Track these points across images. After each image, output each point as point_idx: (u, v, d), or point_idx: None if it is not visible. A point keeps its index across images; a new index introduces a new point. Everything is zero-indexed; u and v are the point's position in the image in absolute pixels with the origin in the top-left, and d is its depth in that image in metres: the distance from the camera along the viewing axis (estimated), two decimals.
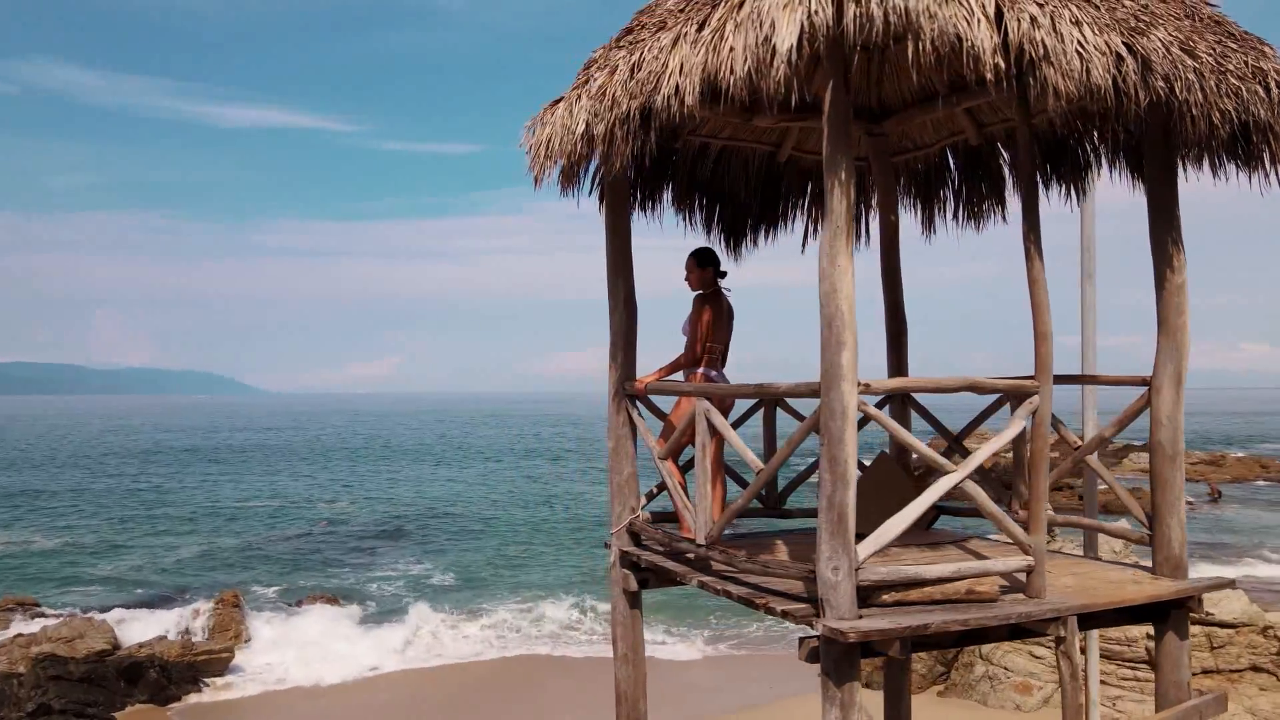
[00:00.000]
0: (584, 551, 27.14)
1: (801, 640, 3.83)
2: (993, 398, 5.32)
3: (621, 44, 4.69)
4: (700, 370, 5.17)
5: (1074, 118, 5.46)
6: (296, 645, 17.68)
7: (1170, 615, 4.22)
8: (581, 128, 4.49)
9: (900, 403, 5.83)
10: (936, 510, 5.70)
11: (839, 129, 3.72)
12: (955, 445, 5.58)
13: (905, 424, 5.81)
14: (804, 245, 6.54)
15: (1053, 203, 6.18)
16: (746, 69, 3.47)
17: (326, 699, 15.26)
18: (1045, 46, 3.42)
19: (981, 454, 3.92)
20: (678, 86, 3.88)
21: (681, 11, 4.17)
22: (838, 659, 3.62)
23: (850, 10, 3.25)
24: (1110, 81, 3.58)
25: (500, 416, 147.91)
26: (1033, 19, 3.44)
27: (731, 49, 3.57)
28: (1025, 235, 4.10)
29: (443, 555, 26.31)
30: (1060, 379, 4.72)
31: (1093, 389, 6.01)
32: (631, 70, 4.17)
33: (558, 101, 5.30)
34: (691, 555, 4.69)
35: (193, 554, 26.79)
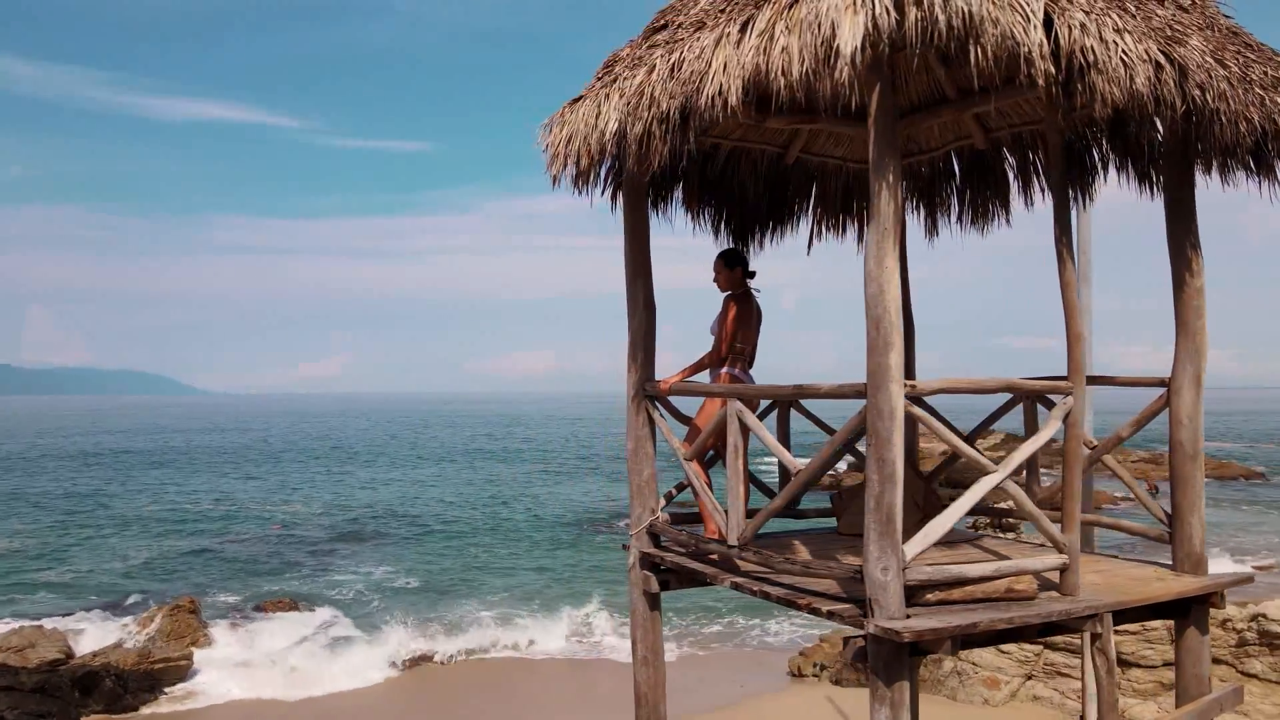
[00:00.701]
0: (544, 552, 27.01)
1: (847, 640, 3.85)
2: (1002, 399, 5.42)
3: (655, 42, 4.67)
4: (726, 370, 5.17)
5: (1082, 124, 5.58)
6: (259, 652, 17.31)
7: (1192, 610, 4.33)
8: (613, 126, 4.46)
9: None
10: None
11: (885, 132, 3.75)
12: (969, 443, 5.64)
13: (911, 425, 5.89)
14: (810, 247, 6.59)
15: (1045, 206, 6.34)
16: (803, 70, 3.47)
17: (293, 708, 14.94)
18: (1095, 54, 3.49)
19: (1020, 455, 3.98)
20: (721, 87, 3.87)
21: (722, 12, 4.15)
22: (888, 659, 3.64)
23: (912, 14, 3.27)
24: (1150, 89, 3.66)
25: (452, 417, 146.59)
26: (1082, 26, 3.50)
27: (783, 50, 3.57)
28: (1057, 239, 4.17)
29: (404, 558, 25.95)
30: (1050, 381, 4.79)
31: (1090, 390, 6.13)
32: (672, 70, 4.15)
33: (578, 100, 5.26)
34: (717, 556, 4.69)
35: (143, 559, 26.06)
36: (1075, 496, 4.04)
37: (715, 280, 5.53)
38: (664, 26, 4.89)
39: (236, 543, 28.63)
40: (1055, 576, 4.07)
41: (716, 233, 6.40)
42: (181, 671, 16.14)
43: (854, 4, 3.29)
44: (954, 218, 6.43)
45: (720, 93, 3.88)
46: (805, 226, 6.64)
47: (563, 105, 5.39)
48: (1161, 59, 3.73)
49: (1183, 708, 4.26)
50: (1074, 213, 6.70)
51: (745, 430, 4.48)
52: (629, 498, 5.37)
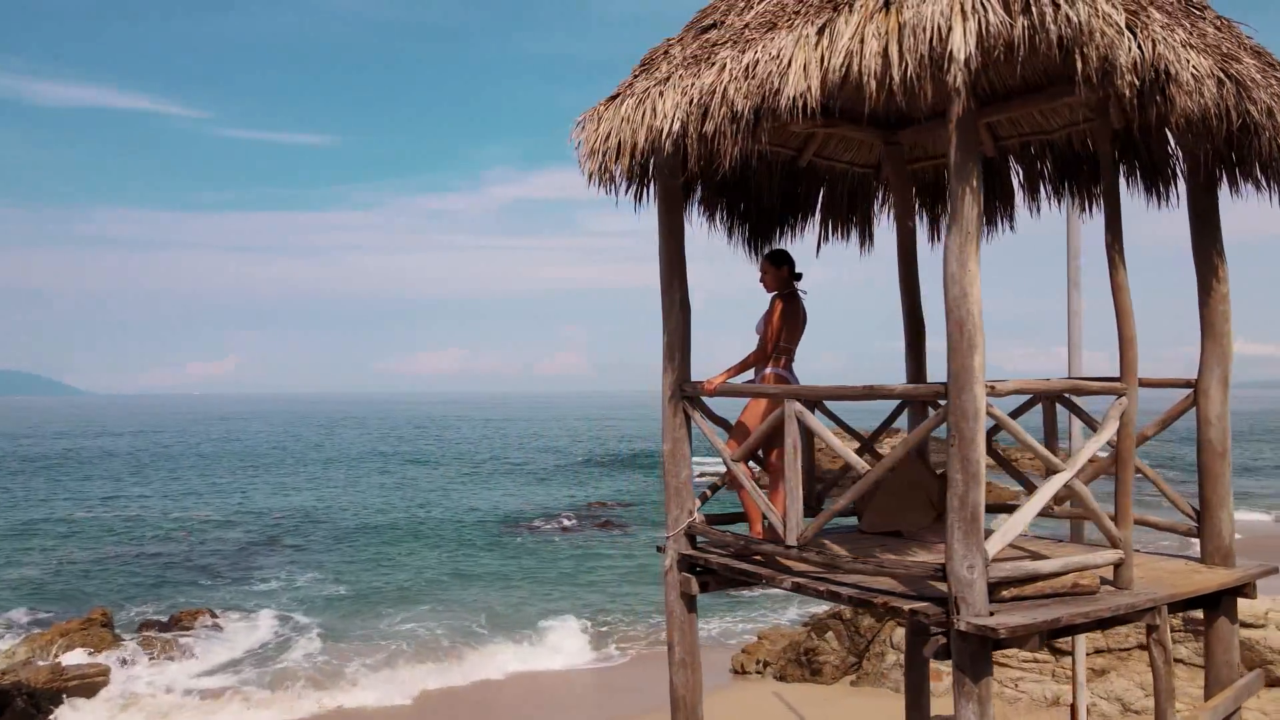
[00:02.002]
0: (466, 553, 26.61)
1: (929, 638, 3.90)
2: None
3: (710, 41, 4.64)
4: (771, 370, 5.17)
5: (1086, 134, 5.81)
6: (178, 664, 16.55)
7: (1222, 601, 4.55)
8: (674, 125, 4.41)
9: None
10: None
11: (967, 136, 3.82)
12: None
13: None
14: (818, 249, 6.66)
15: (1044, 212, 6.58)
16: (905, 74, 3.50)
17: None
18: (1174, 67, 3.63)
19: (1085, 453, 4.11)
20: (802, 88, 3.88)
21: (796, 14, 4.16)
22: (974, 655, 3.71)
23: (1021, 21, 3.34)
24: (1215, 103, 3.84)
25: (358, 418, 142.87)
26: (1165, 40, 3.64)
27: (879, 53, 3.60)
28: (1109, 245, 4.33)
29: (325, 563, 25.13)
30: (1105, 382, 4.99)
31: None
32: (746, 70, 4.13)
33: (615, 97, 5.20)
34: (763, 558, 4.69)
35: (43, 571, 24.57)
36: (1127, 494, 4.20)
37: (762, 280, 5.55)
38: (713, 25, 4.87)
39: (143, 552, 27.25)
40: (1109, 572, 4.22)
41: (731, 234, 6.41)
42: (98, 686, 15.34)
43: (964, 10, 3.35)
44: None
45: (801, 94, 3.89)
46: (810, 229, 6.71)
47: (598, 103, 5.32)
48: (1221, 74, 3.91)
49: (1223, 692, 4.46)
50: (1067, 218, 6.99)
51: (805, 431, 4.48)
52: (665, 499, 5.32)
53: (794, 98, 3.90)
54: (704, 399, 5.26)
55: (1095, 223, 6.95)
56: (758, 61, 4.11)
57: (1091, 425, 4.87)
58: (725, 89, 4.20)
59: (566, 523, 32.72)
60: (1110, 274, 4.32)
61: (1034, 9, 3.33)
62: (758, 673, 16.36)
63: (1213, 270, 4.76)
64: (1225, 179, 4.80)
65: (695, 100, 4.36)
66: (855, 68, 3.68)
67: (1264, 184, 4.67)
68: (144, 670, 16.26)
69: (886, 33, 3.59)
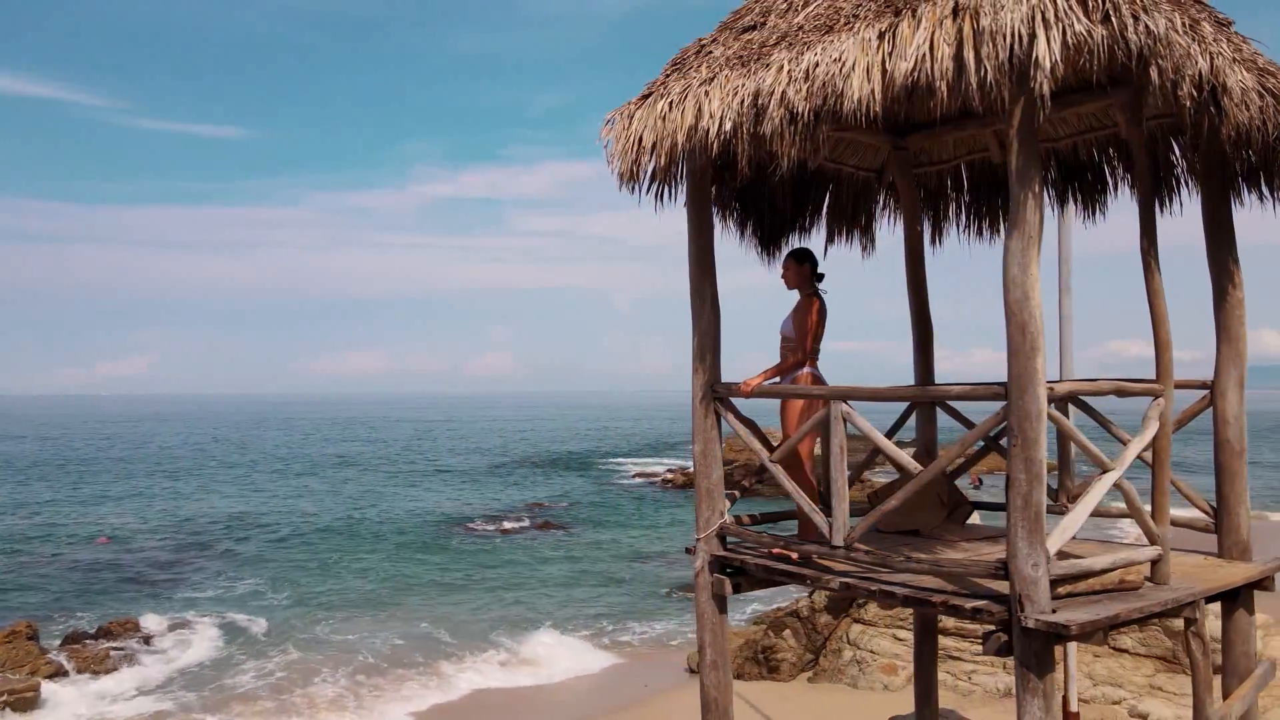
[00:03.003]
0: (409, 557, 26.11)
1: (988, 636, 3.96)
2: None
3: (753, 42, 4.64)
4: (808, 370, 5.19)
5: (1093, 143, 6.01)
6: (114, 679, 15.83)
7: (1240, 594, 4.74)
8: (726, 126, 4.40)
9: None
10: (970, 507, 6.04)
11: (1028, 142, 3.89)
12: (992, 444, 5.93)
13: (931, 423, 6.14)
14: (825, 252, 6.71)
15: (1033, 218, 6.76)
16: (984, 79, 3.55)
17: None
18: (1229, 80, 3.77)
19: (1130, 453, 4.23)
20: (865, 91, 3.91)
21: (855, 17, 4.18)
22: (1038, 651, 3.78)
23: (1098, 32, 3.42)
24: (1259, 113, 4.00)
25: (281, 419, 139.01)
26: (1219, 54, 3.78)
27: (953, 59, 3.64)
28: (1144, 251, 4.47)
29: (261, 570, 24.32)
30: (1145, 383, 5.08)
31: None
32: (807, 73, 4.13)
33: (647, 96, 5.16)
34: (799, 557, 4.70)
35: None
36: (1164, 492, 4.35)
37: (784, 277, 5.55)
38: (753, 27, 4.87)
39: (63, 561, 26.01)
40: (1146, 568, 4.35)
41: (742, 236, 6.43)
42: (29, 703, 14.63)
43: (1047, 18, 3.41)
44: (960, 227, 6.72)
45: (865, 97, 3.91)
46: (816, 232, 6.76)
47: (627, 102, 5.27)
48: (1259, 88, 4.08)
49: (1245, 684, 4.64)
50: (1058, 225, 7.19)
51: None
52: (696, 500, 5.30)
53: (859, 100, 3.92)
54: (733, 399, 5.25)
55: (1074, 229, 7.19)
56: (818, 64, 4.12)
57: (1105, 425, 5.00)
58: (784, 91, 4.19)
59: (507, 524, 32.41)
60: (1145, 279, 4.46)
61: (1114, 19, 3.41)
62: None
63: (1228, 276, 4.95)
64: (1247, 188, 5.00)
65: (748, 101, 4.35)
66: (928, 72, 3.71)
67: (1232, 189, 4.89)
68: (77, 688, 15.50)
69: (962, 38, 3.64)
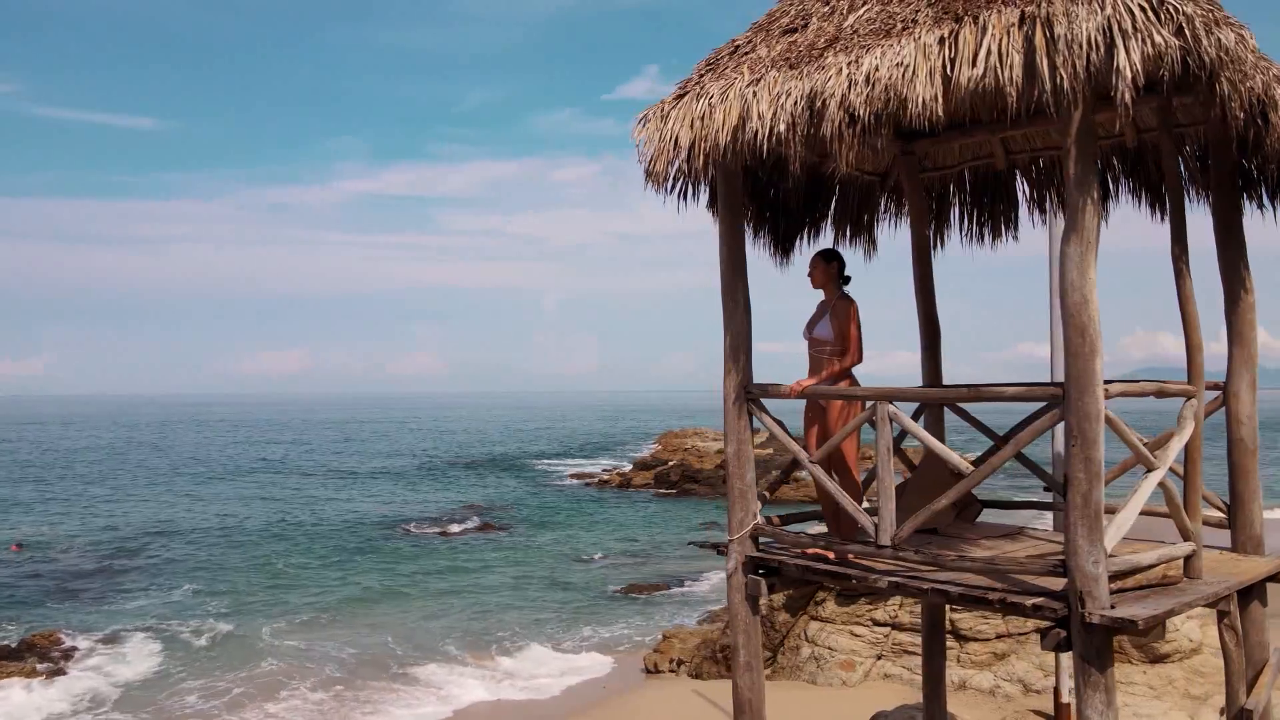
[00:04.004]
0: (348, 562, 25.51)
1: (1046, 632, 4.04)
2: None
3: (798, 43, 4.65)
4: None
5: (1095, 152, 6.19)
6: (40, 694, 15.01)
7: (1255, 586, 4.94)
8: (780, 126, 4.40)
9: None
10: (980, 505, 6.17)
11: (1086, 150, 3.99)
12: (1001, 444, 6.06)
13: (941, 424, 6.25)
14: None
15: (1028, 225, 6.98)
16: (1062, 87, 3.63)
17: None
18: (1276, 94, 3.94)
19: (1172, 451, 4.37)
20: (928, 95, 3.96)
21: (914, 22, 4.22)
22: (1099, 647, 3.88)
23: (1175, 42, 3.52)
24: None
25: (198, 421, 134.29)
26: (1267, 69, 3.94)
27: (1023, 66, 3.72)
28: (1175, 257, 4.63)
29: (194, 579, 23.34)
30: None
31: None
32: (868, 77, 4.16)
33: (682, 95, 5.13)
34: (832, 556, 4.73)
35: None
36: (1197, 490, 4.51)
37: (810, 276, 5.58)
38: (794, 29, 4.89)
39: None
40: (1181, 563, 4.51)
41: (755, 238, 6.44)
42: None
43: (1125, 29, 3.50)
44: (963, 232, 6.87)
45: (929, 101, 3.96)
46: (823, 234, 6.83)
47: (660, 101, 5.24)
48: None
49: (1265, 673, 4.84)
50: (1049, 230, 7.40)
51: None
52: (729, 501, 5.28)
53: (923, 104, 3.97)
54: (764, 400, 5.26)
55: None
56: (878, 68, 4.15)
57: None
58: (844, 93, 4.21)
59: (447, 527, 31.96)
60: (1177, 285, 4.62)
61: (1186, 31, 3.52)
62: (671, 671, 16.50)
63: (1240, 281, 5.16)
64: (1246, 196, 5.23)
65: (802, 103, 4.36)
66: (1000, 79, 3.77)
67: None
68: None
69: (1033, 46, 3.71)
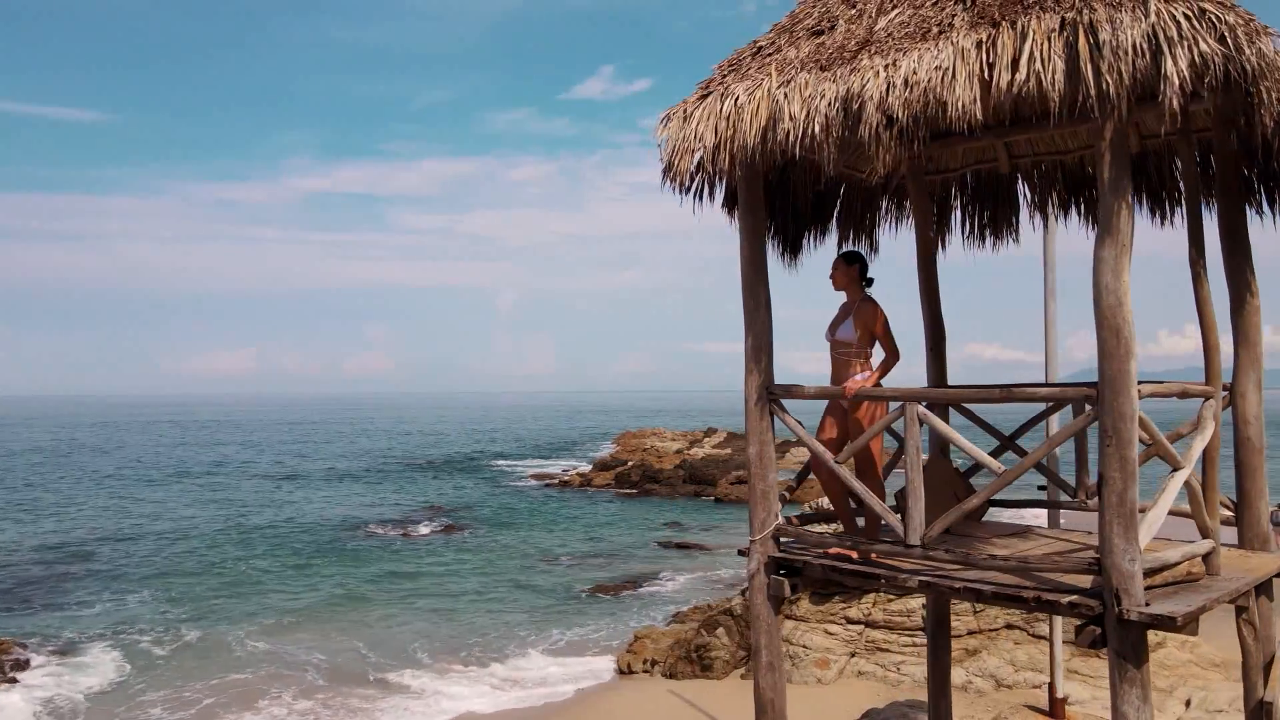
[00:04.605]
0: (309, 564, 25.08)
1: (1081, 629, 4.10)
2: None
3: (829, 45, 4.67)
4: (873, 374, 5.24)
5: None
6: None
7: (1264, 582, 5.07)
8: (814, 128, 4.41)
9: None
10: (987, 503, 6.26)
11: (1120, 155, 4.06)
12: (1008, 445, 6.16)
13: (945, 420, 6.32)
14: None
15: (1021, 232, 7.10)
16: (1108, 93, 3.69)
17: None
18: None
19: (1195, 451, 4.47)
20: (974, 99, 4.00)
21: (950, 26, 4.26)
22: (1135, 642, 3.95)
23: (1219, 50, 3.60)
24: None
25: (144, 423, 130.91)
26: None
27: (1065, 73, 3.77)
28: (1193, 261, 4.73)
29: (152, 586, 22.72)
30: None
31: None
32: (906, 80, 4.18)
33: (706, 95, 5.12)
34: (855, 556, 4.75)
35: None
36: (1215, 489, 4.62)
37: (831, 278, 5.61)
38: (821, 31, 4.90)
39: None
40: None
41: (771, 237, 6.46)
42: None
43: (1172, 37, 3.57)
44: (964, 235, 6.96)
45: (968, 104, 4.01)
46: (829, 237, 6.88)
47: (682, 101, 5.23)
48: None
49: (1275, 668, 4.97)
50: (1044, 233, 7.53)
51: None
52: (750, 501, 5.28)
53: (962, 108, 4.01)
54: (783, 401, 5.27)
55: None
56: (916, 70, 4.18)
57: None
58: (881, 95, 4.23)
59: (408, 528, 31.56)
60: (1195, 289, 4.73)
61: (1229, 40, 3.60)
62: (645, 671, 16.49)
63: (1245, 284, 5.29)
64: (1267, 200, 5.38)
65: (837, 104, 4.37)
66: (1042, 83, 3.82)
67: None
68: None
69: (1076, 52, 3.77)
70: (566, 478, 46.87)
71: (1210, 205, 5.57)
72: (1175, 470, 4.36)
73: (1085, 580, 4.23)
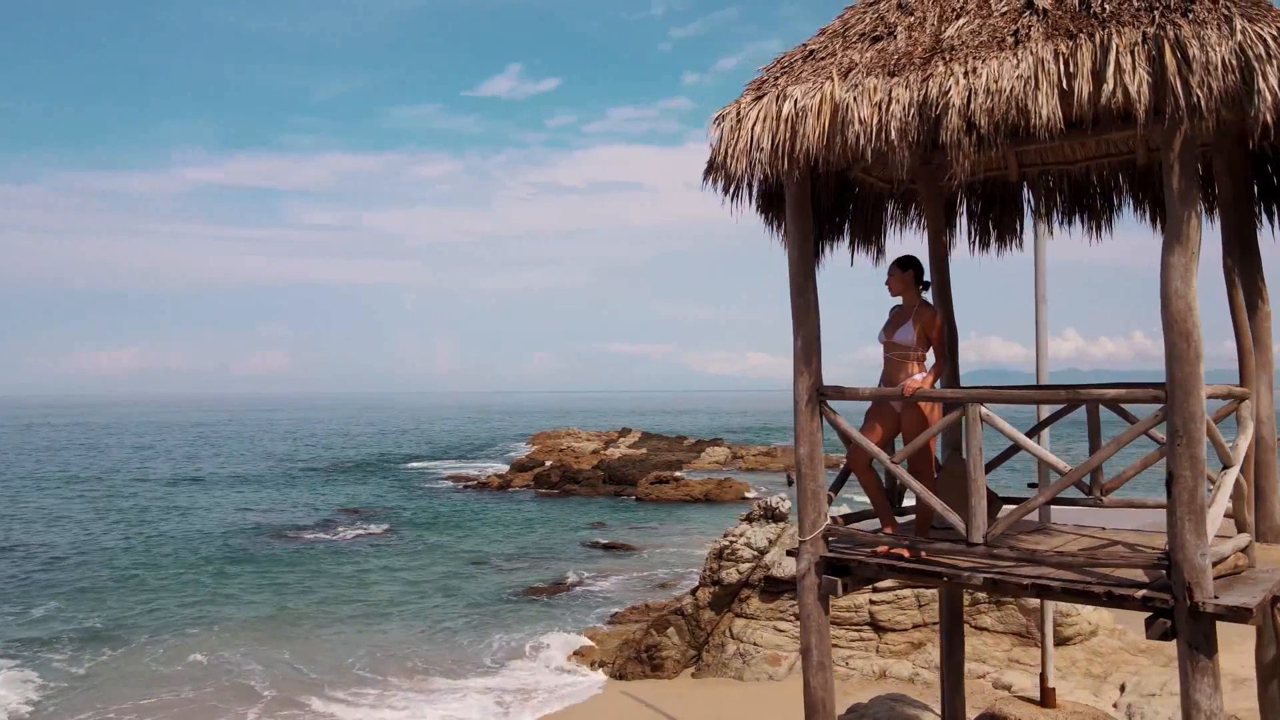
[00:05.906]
0: (224, 572, 24.05)
1: (1151, 621, 4.26)
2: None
3: (893, 51, 4.72)
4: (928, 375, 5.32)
5: (1104, 167, 6.59)
6: None
7: None
8: (890, 133, 4.46)
9: None
10: (1001, 501, 6.43)
11: (1189, 166, 4.23)
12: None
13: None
14: (852, 258, 6.91)
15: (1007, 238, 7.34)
16: (1198, 105, 3.84)
17: None
18: None
19: (1241, 449, 4.70)
20: (1055, 109, 4.11)
21: (1028, 36, 4.36)
22: (1206, 634, 4.12)
23: None
24: None
25: (18, 425, 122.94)
26: None
27: (1150, 85, 3.91)
28: (1228, 269, 4.97)
29: (55, 596, 21.43)
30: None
31: None
32: (988, 87, 4.26)
33: (760, 97, 5.11)
34: (907, 554, 4.82)
35: None
36: (1250, 483, 4.86)
37: (888, 283, 5.67)
38: (881, 36, 4.95)
39: None
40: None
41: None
42: None
43: (1258, 52, 3.74)
44: (970, 240, 7.14)
45: (1050, 114, 4.12)
46: (841, 240, 6.95)
47: (735, 100, 5.21)
48: None
49: None
50: (1035, 239, 7.79)
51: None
52: (800, 502, 5.29)
53: (1046, 116, 4.11)
54: (831, 403, 5.31)
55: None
56: (999, 78, 4.26)
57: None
58: (963, 102, 4.30)
59: (326, 533, 30.58)
60: (1229, 295, 4.97)
61: None
62: (595, 672, 16.44)
63: (1257, 291, 5.59)
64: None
65: (912, 109, 4.42)
66: (1129, 95, 3.95)
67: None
68: None
69: (1163, 66, 3.91)
70: (485, 479, 46.26)
71: (1212, 218, 5.87)
72: (1226, 468, 4.57)
73: (1134, 573, 4.39)
